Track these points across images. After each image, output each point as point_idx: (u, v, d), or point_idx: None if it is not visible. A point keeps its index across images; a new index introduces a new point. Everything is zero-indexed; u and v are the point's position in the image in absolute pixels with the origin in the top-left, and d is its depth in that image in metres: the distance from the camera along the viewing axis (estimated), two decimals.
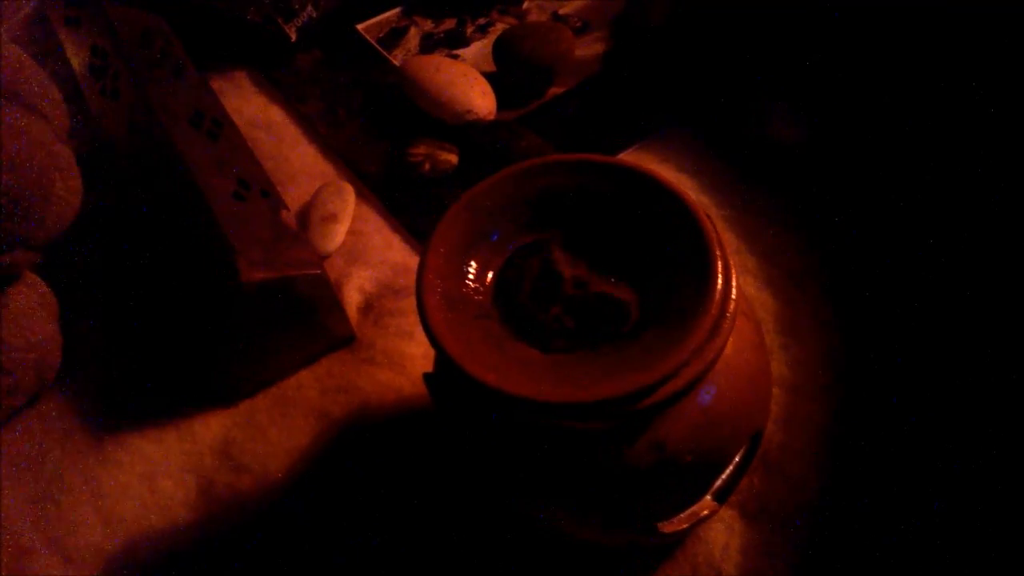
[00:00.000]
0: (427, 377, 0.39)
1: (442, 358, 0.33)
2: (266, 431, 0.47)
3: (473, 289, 0.35)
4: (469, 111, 0.57)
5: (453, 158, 0.56)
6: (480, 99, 0.58)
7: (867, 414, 0.43)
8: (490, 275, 0.36)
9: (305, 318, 0.47)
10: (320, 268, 0.46)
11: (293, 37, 0.64)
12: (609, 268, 0.36)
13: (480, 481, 0.40)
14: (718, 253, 0.34)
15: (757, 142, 0.55)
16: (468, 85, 0.58)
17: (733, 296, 0.34)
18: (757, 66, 0.58)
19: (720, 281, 0.33)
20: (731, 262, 0.35)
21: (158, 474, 0.45)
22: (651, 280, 0.36)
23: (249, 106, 0.63)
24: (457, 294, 0.35)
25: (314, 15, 0.64)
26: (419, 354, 0.48)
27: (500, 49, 0.61)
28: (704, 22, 0.62)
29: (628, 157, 0.57)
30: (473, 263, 0.36)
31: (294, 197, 0.56)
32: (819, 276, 0.49)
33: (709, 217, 0.35)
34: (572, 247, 0.37)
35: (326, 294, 0.47)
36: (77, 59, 0.59)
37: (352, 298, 0.51)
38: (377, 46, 0.66)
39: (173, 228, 0.48)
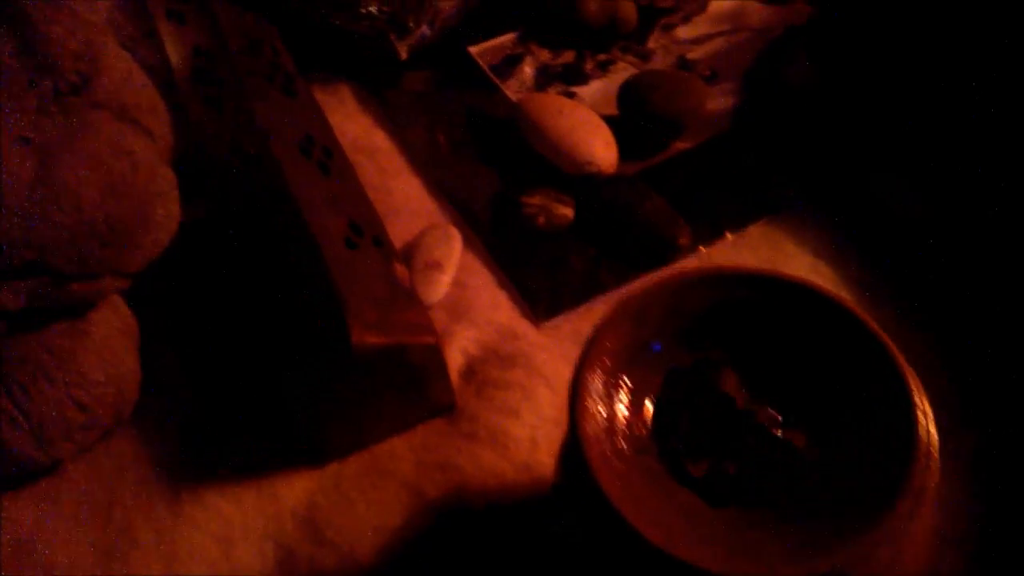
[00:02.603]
0: (556, 491, 0.35)
1: (596, 500, 0.29)
2: (354, 502, 0.43)
3: (631, 416, 0.31)
4: (590, 163, 0.53)
5: (569, 212, 0.52)
6: (603, 150, 0.54)
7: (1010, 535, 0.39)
8: (648, 400, 0.32)
9: (409, 385, 0.43)
10: (435, 336, 0.42)
11: (403, 55, 0.60)
12: (775, 396, 0.33)
13: None
14: (922, 414, 0.30)
15: (906, 232, 0.50)
16: (591, 133, 0.54)
17: (935, 467, 0.30)
18: (906, 141, 0.54)
19: (924, 450, 0.29)
20: (931, 415, 0.31)
21: (235, 538, 0.42)
22: (827, 419, 0.32)
23: (352, 126, 0.59)
24: (614, 421, 0.31)
25: (428, 34, 0.60)
26: (524, 436, 0.44)
27: (626, 96, 0.56)
28: (851, 86, 0.58)
29: (757, 230, 0.52)
30: (631, 383, 0.32)
31: (396, 235, 0.52)
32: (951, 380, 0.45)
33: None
34: (737, 370, 0.33)
35: (437, 363, 0.43)
36: (177, 56, 0.55)
37: (454, 360, 0.47)
38: (490, 73, 0.61)
39: (276, 269, 0.44)
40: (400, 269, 0.45)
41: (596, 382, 0.31)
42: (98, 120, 0.39)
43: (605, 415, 0.30)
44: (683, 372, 0.32)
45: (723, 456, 0.30)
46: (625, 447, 0.30)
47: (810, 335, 0.33)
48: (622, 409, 0.31)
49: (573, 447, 0.30)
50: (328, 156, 0.49)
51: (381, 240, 0.46)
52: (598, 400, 0.31)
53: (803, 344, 0.33)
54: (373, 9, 0.57)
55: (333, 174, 0.48)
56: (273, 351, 0.46)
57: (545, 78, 0.61)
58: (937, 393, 0.40)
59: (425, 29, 0.60)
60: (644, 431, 0.31)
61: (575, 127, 0.54)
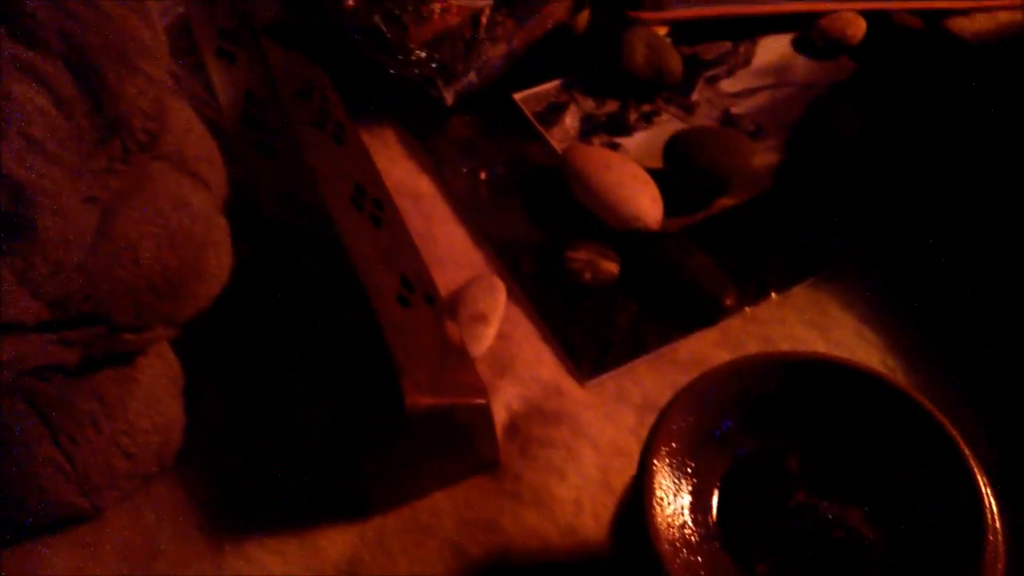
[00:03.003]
0: (612, 566, 0.35)
1: None
2: (396, 558, 0.43)
3: (697, 502, 0.31)
4: (637, 218, 0.53)
5: (614, 268, 0.52)
6: (649, 206, 0.54)
7: None
8: (714, 487, 0.32)
9: (456, 442, 0.43)
10: (485, 396, 0.42)
11: (450, 101, 0.60)
12: (841, 482, 0.32)
13: None
14: (988, 505, 0.30)
15: (957, 300, 0.50)
16: (638, 189, 0.54)
17: (1002, 558, 0.29)
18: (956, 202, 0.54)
19: (992, 544, 0.29)
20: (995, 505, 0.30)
21: None
22: (892, 505, 0.32)
23: (397, 170, 0.59)
24: (681, 508, 0.31)
25: (475, 81, 0.60)
26: (569, 498, 0.44)
27: (672, 151, 0.56)
28: (898, 144, 0.58)
29: (803, 292, 0.52)
30: (697, 467, 0.32)
31: (441, 284, 0.52)
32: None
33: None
34: (802, 455, 0.33)
35: (485, 422, 0.43)
36: (227, 99, 0.55)
37: (498, 415, 0.47)
38: (534, 121, 0.62)
39: (327, 323, 0.44)
40: (451, 327, 0.45)
41: (663, 467, 0.31)
42: (159, 172, 0.39)
43: (672, 502, 0.30)
44: (748, 459, 0.32)
45: (787, 555, 0.30)
46: (692, 535, 0.30)
47: (875, 421, 0.33)
48: (688, 496, 0.31)
49: (639, 531, 0.30)
50: (379, 208, 0.49)
51: (432, 297, 0.46)
52: (665, 486, 0.30)
53: (868, 429, 0.33)
54: (423, 55, 0.57)
55: (384, 226, 0.48)
56: (319, 403, 0.46)
57: (589, 127, 0.61)
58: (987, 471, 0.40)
59: (472, 76, 0.60)
60: (710, 518, 0.31)
61: (622, 182, 0.54)
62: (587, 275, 0.52)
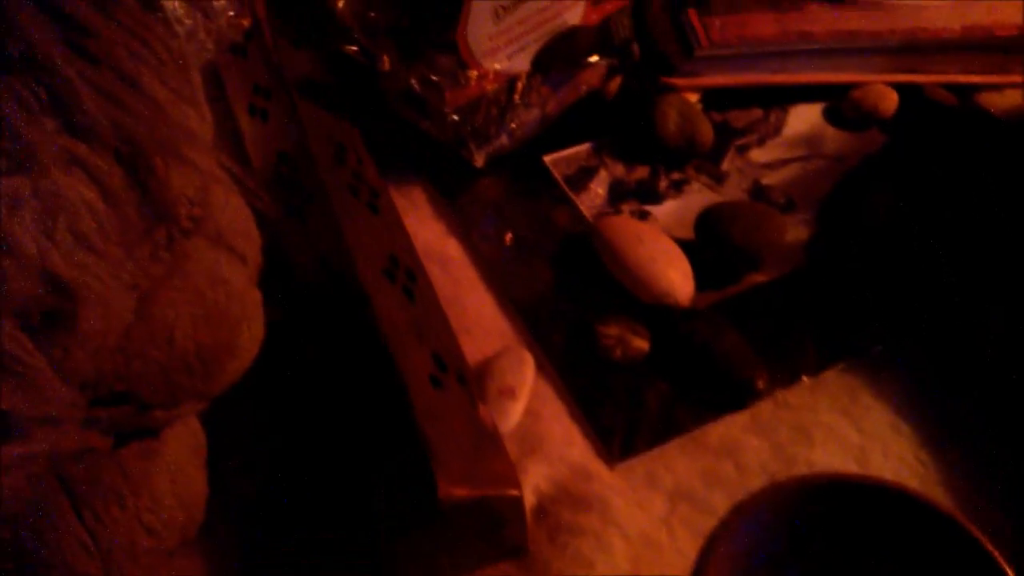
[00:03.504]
0: None
1: None
2: None
3: None
4: (668, 294, 0.53)
5: (645, 345, 0.52)
6: (681, 282, 0.53)
7: None
8: None
9: (487, 530, 0.42)
10: (519, 488, 0.42)
11: (480, 163, 0.59)
12: None
13: None
14: None
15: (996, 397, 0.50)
16: (670, 264, 0.54)
17: None
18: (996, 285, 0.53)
19: None
20: None
21: None
22: None
23: (425, 231, 0.58)
24: None
25: (506, 144, 0.60)
26: None
27: (705, 225, 0.56)
28: (932, 221, 0.58)
29: (835, 376, 0.52)
30: None
31: (468, 354, 0.51)
32: None
33: None
34: None
35: (517, 513, 0.42)
36: (258, 158, 0.55)
37: (526, 497, 0.46)
38: (564, 185, 0.61)
39: (357, 400, 0.44)
40: (483, 410, 0.44)
41: None
42: (196, 250, 0.39)
43: None
44: None
45: None
46: None
47: (919, 542, 0.33)
48: None
49: None
50: (412, 280, 0.48)
51: (465, 377, 0.45)
52: None
53: (912, 550, 0.33)
54: (457, 118, 0.57)
55: (417, 299, 0.48)
56: (349, 483, 0.45)
57: (619, 193, 0.61)
58: None
59: (504, 139, 0.60)
60: None
61: (655, 257, 0.53)
62: (618, 352, 0.51)
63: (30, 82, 0.29)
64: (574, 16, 0.57)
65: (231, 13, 0.37)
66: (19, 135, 0.29)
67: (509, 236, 0.58)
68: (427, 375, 0.43)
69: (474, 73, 0.56)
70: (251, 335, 0.44)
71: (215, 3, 0.38)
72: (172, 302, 0.38)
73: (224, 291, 0.41)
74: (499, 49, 0.56)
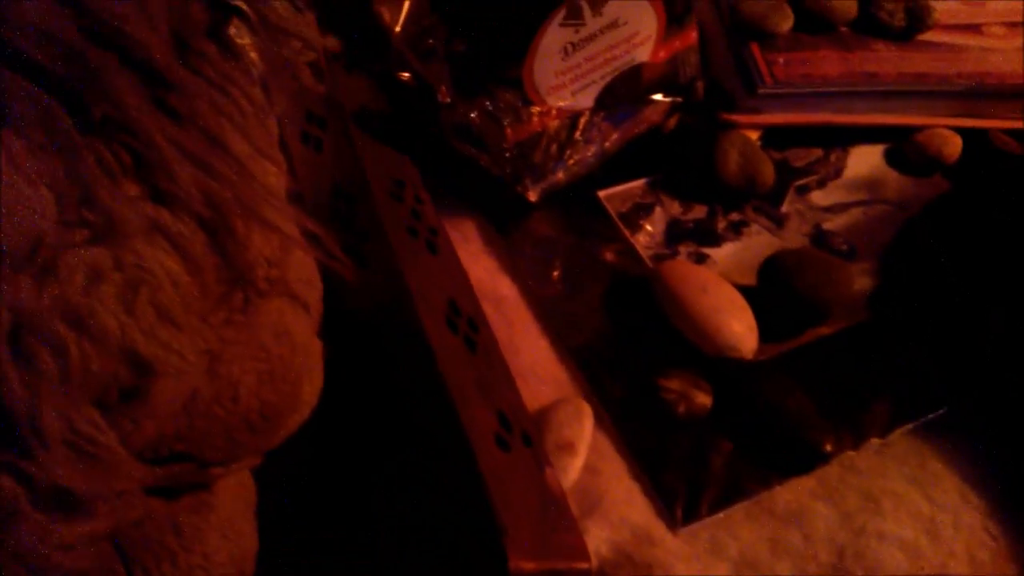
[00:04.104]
0: None
1: None
2: None
3: None
4: (733, 348, 0.51)
5: (707, 401, 0.50)
6: (746, 335, 0.52)
7: None
8: None
9: None
10: (589, 561, 0.40)
11: (534, 198, 0.58)
12: None
13: None
14: None
15: None
16: (735, 316, 0.52)
17: None
18: None
19: None
20: None
21: None
22: None
23: (477, 268, 0.56)
24: None
25: (562, 179, 0.58)
26: None
27: (769, 275, 0.54)
28: (1006, 270, 0.56)
29: (904, 439, 0.50)
30: None
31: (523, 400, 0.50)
32: None
33: None
34: None
35: None
36: (313, 190, 0.53)
37: None
38: (620, 223, 0.59)
39: (419, 454, 0.42)
40: (550, 474, 0.42)
41: None
42: (264, 303, 0.37)
43: None
44: None
45: None
46: None
47: None
48: None
49: None
50: (474, 329, 0.46)
51: (531, 438, 0.43)
52: None
53: None
54: (515, 152, 0.55)
55: (479, 350, 0.46)
56: (409, 542, 0.44)
57: (676, 234, 0.59)
58: None
59: (560, 175, 0.58)
60: None
61: (719, 308, 0.52)
62: (681, 408, 0.49)
63: (114, 144, 0.27)
64: (643, 53, 0.55)
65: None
66: (102, 204, 0.27)
67: (563, 276, 0.56)
68: (492, 435, 0.42)
69: (537, 109, 0.54)
70: (312, 388, 0.42)
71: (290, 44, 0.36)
72: (238, 358, 0.37)
73: (289, 344, 0.39)
74: (564, 86, 0.54)
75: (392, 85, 0.57)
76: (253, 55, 0.33)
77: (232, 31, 0.32)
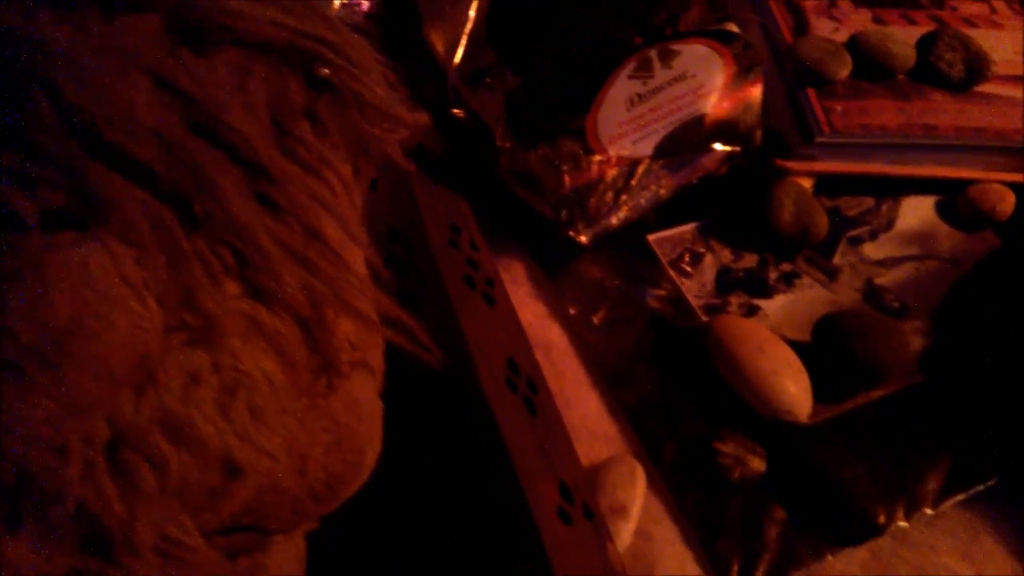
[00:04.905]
0: None
1: None
2: None
3: None
4: (788, 412, 0.50)
5: (762, 466, 0.49)
6: (802, 398, 0.51)
7: None
8: None
9: None
10: None
11: (586, 241, 0.57)
12: None
13: None
14: None
15: None
16: (792, 379, 0.51)
17: None
18: None
19: None
20: None
21: None
22: None
23: (527, 313, 0.55)
24: None
25: (614, 224, 0.57)
26: None
27: (825, 335, 0.54)
28: None
29: (956, 510, 0.50)
30: None
31: None
32: None
33: None
34: None
35: None
36: (368, 231, 0.52)
37: None
38: (670, 270, 0.58)
39: (478, 520, 0.41)
40: (612, 551, 0.42)
41: None
42: (342, 382, 0.36)
43: None
44: None
45: None
46: None
47: None
48: None
49: None
50: (534, 391, 0.46)
51: (591, 510, 0.43)
52: None
53: None
54: (571, 198, 0.54)
55: (539, 414, 0.45)
56: None
57: (726, 283, 0.58)
58: None
59: (613, 220, 0.57)
60: None
61: (776, 370, 0.51)
62: (736, 473, 0.49)
63: (215, 243, 0.26)
64: (707, 104, 0.54)
65: None
66: (203, 307, 0.26)
67: (612, 322, 0.56)
68: (555, 508, 0.41)
69: (598, 158, 0.52)
70: (373, 451, 0.41)
71: None
72: (309, 432, 0.36)
73: (356, 414, 0.38)
74: (626, 135, 0.53)
75: (447, 121, 0.56)
76: (344, 131, 0.32)
77: (325, 109, 0.31)
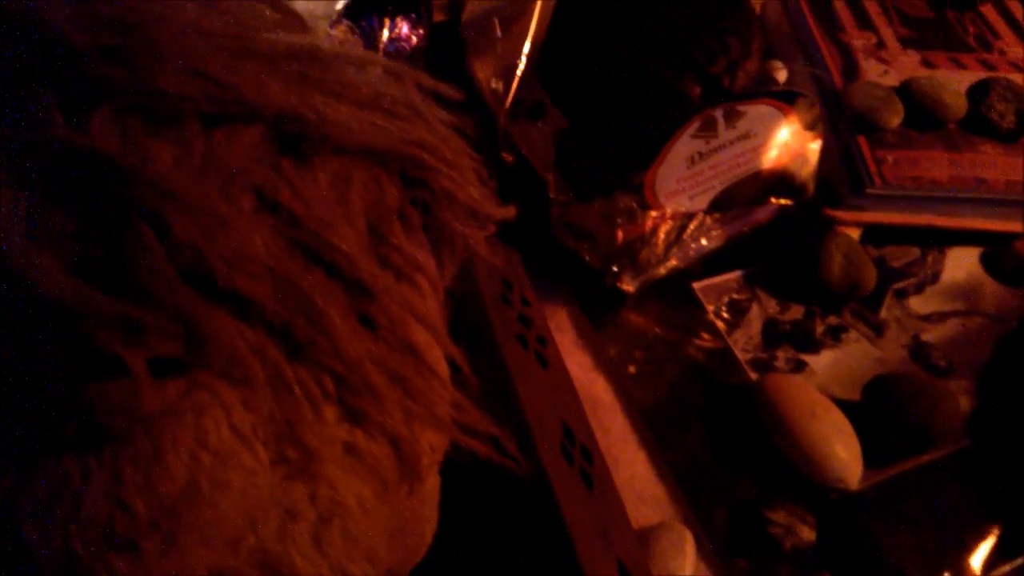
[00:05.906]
0: None
1: None
2: None
3: None
4: (839, 480, 0.50)
5: (812, 536, 0.49)
6: (852, 464, 0.50)
7: None
8: None
9: None
10: None
11: (632, 290, 0.55)
12: None
13: None
14: None
15: None
16: (844, 445, 0.50)
17: None
18: None
19: None
20: None
21: None
22: None
23: (572, 363, 0.54)
24: None
25: (661, 274, 0.56)
26: None
27: (875, 397, 0.53)
28: None
29: None
30: None
31: None
32: None
33: None
34: None
35: None
36: None
37: None
38: (715, 319, 0.57)
39: None
40: None
41: None
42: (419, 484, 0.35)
43: None
44: None
45: None
46: None
47: None
48: None
49: None
50: (589, 462, 0.45)
51: None
52: None
53: None
54: (621, 248, 0.53)
55: (595, 486, 0.44)
56: None
57: (773, 336, 0.57)
58: None
59: (660, 269, 0.56)
60: None
61: (828, 437, 0.50)
62: (787, 544, 0.48)
63: (317, 370, 0.25)
64: (767, 161, 0.53)
65: None
66: (304, 440, 0.24)
67: (658, 375, 0.55)
68: None
69: (654, 214, 0.51)
70: (431, 528, 0.40)
71: None
72: (379, 523, 0.35)
73: (420, 498, 0.37)
74: (684, 191, 0.51)
75: (495, 163, 0.54)
76: (432, 228, 0.30)
77: (416, 208, 0.30)
